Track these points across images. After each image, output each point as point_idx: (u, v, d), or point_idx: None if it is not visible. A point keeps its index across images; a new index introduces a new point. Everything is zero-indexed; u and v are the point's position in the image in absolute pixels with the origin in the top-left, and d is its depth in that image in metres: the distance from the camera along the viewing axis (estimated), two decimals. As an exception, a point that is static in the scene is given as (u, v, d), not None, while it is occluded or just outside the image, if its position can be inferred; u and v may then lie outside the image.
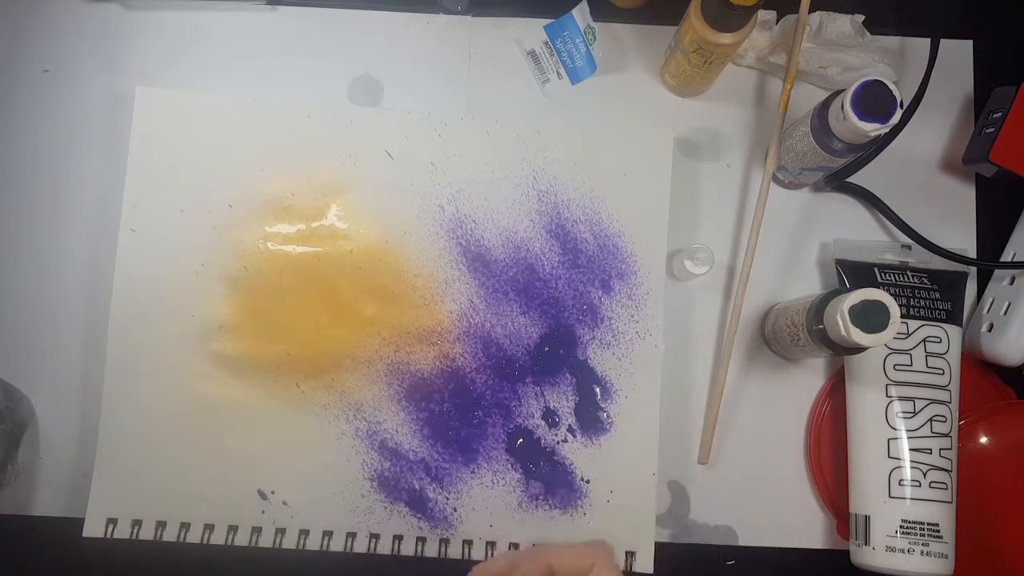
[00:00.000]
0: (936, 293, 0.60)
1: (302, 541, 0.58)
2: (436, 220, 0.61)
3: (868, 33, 0.62)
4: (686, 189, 0.63)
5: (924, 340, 0.59)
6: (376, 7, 0.65)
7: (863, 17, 0.62)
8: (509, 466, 0.59)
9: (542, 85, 0.64)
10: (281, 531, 0.59)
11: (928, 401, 0.57)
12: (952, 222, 0.64)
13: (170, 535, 0.58)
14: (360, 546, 0.59)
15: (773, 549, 0.61)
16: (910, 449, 0.57)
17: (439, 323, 0.60)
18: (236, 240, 0.60)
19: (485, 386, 0.60)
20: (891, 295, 0.51)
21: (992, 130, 0.60)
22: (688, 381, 0.62)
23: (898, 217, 0.62)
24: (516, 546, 0.59)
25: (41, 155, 0.63)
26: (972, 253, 0.64)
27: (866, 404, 0.58)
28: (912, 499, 0.56)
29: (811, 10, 0.61)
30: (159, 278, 0.60)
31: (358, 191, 0.61)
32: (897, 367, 0.58)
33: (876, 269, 0.61)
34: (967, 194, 0.64)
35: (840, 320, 0.51)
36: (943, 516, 0.56)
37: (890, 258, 0.62)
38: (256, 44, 0.64)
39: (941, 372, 0.58)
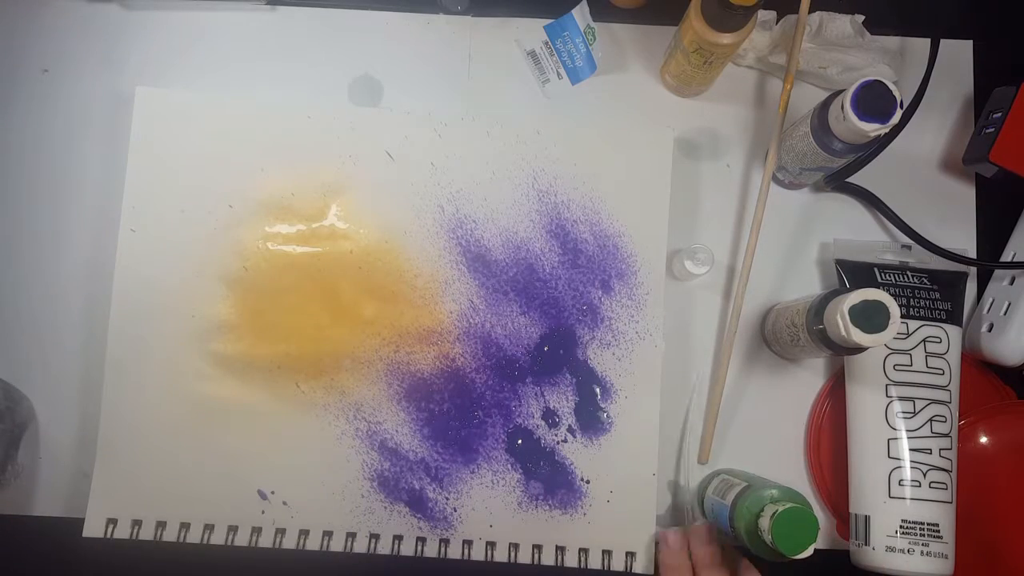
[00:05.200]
0: (936, 293, 0.60)
1: (302, 541, 0.58)
2: (436, 220, 0.61)
3: (868, 33, 0.62)
4: (686, 189, 0.63)
5: (924, 340, 0.59)
6: (376, 7, 0.65)
7: (863, 17, 0.62)
8: (509, 466, 0.59)
9: (542, 85, 0.64)
10: (281, 531, 0.59)
11: (928, 401, 0.57)
12: (952, 222, 0.64)
13: (170, 535, 0.58)
14: (360, 546, 0.59)
15: (773, 549, 0.61)
16: (910, 449, 0.57)
17: (439, 323, 0.60)
18: (236, 240, 0.60)
19: (485, 386, 0.60)
20: (891, 295, 0.51)
21: (992, 130, 0.60)
22: (688, 381, 0.62)
23: (898, 217, 0.62)
24: (516, 547, 0.59)
25: (41, 155, 0.63)
26: (972, 253, 0.64)
27: (866, 404, 0.58)
28: (912, 499, 0.56)
29: (811, 10, 0.61)
30: (159, 278, 0.60)
31: (358, 191, 0.61)
32: (897, 367, 0.58)
33: (876, 269, 0.61)
34: (967, 194, 0.64)
35: (840, 320, 0.51)
36: (943, 516, 0.56)
37: (890, 258, 0.62)
38: (256, 44, 0.64)
39: (941, 372, 0.58)
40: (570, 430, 0.60)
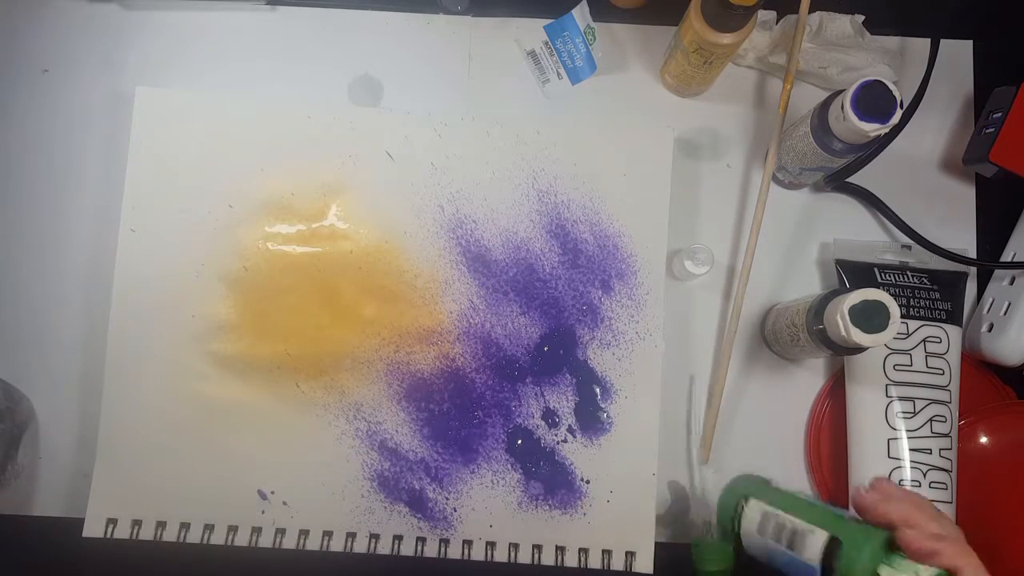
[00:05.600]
0: (936, 293, 0.60)
1: (302, 541, 0.58)
2: (436, 220, 0.61)
3: (868, 33, 0.62)
4: (686, 189, 0.63)
5: (924, 340, 0.59)
6: (376, 7, 0.65)
7: (863, 17, 0.62)
8: (509, 466, 0.59)
9: (542, 85, 0.64)
10: (281, 531, 0.59)
11: (928, 401, 0.57)
12: (952, 222, 0.64)
13: (170, 535, 0.58)
14: (360, 546, 0.59)
15: (773, 549, 0.61)
16: (910, 449, 0.57)
17: (439, 323, 0.60)
18: (236, 240, 0.60)
19: (485, 386, 0.60)
20: (891, 295, 0.51)
21: (992, 130, 0.60)
22: (688, 381, 0.62)
23: (898, 217, 0.62)
24: (516, 547, 0.59)
25: (41, 155, 0.63)
26: (972, 253, 0.63)
27: (866, 404, 0.58)
28: (912, 499, 0.56)
29: (811, 10, 0.61)
30: (159, 278, 0.60)
31: (358, 191, 0.61)
32: (897, 367, 0.58)
33: (876, 269, 0.61)
34: (967, 194, 0.64)
35: (840, 320, 0.51)
36: (943, 516, 0.56)
37: (890, 258, 0.62)
38: (256, 44, 0.64)
39: (941, 372, 0.58)
40: (570, 430, 0.60)
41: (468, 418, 0.60)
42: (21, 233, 0.62)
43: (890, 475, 0.56)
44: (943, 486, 0.56)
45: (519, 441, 0.60)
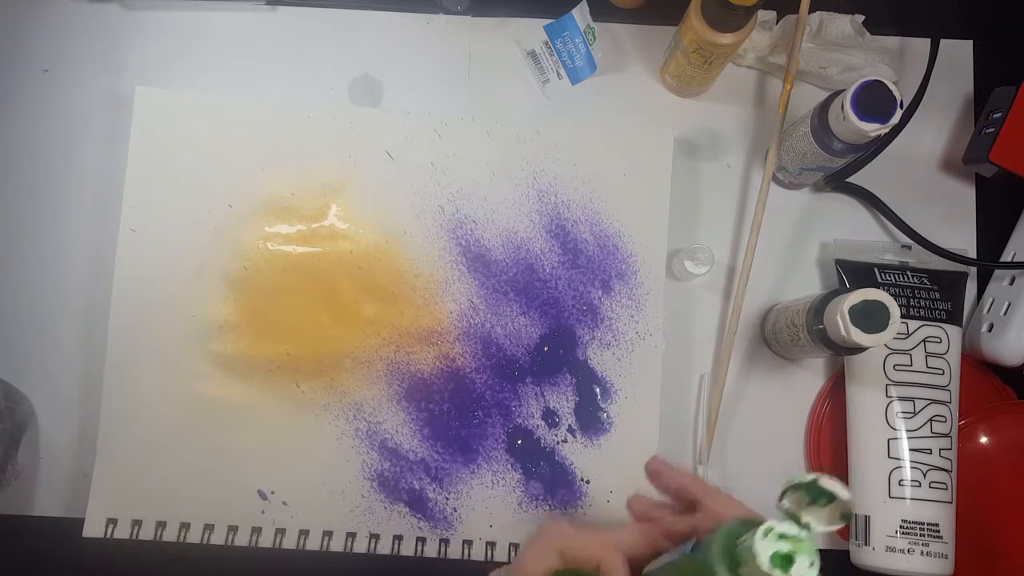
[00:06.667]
0: (936, 293, 0.60)
1: (302, 541, 0.58)
2: (436, 220, 0.61)
3: (868, 33, 0.63)
4: (686, 189, 0.63)
5: (924, 340, 0.59)
6: (376, 7, 0.65)
7: (863, 17, 0.62)
8: (509, 466, 0.59)
9: (542, 85, 0.64)
10: (281, 531, 0.59)
11: (928, 401, 0.57)
12: (952, 222, 0.64)
13: (170, 535, 0.58)
14: (360, 546, 0.59)
15: (773, 549, 0.61)
16: (910, 449, 0.57)
17: (439, 323, 0.60)
18: (236, 240, 0.60)
19: (485, 386, 0.60)
20: (891, 295, 0.51)
21: (992, 130, 0.60)
22: (688, 381, 0.62)
23: (898, 217, 0.62)
24: (516, 547, 0.59)
25: (41, 155, 0.63)
26: (972, 253, 0.63)
27: (866, 404, 0.58)
28: (912, 499, 0.56)
29: (811, 10, 0.61)
30: (159, 278, 0.60)
31: (358, 191, 0.61)
32: (897, 367, 0.58)
33: (876, 269, 0.61)
34: (967, 194, 0.64)
35: (840, 320, 0.51)
36: (943, 516, 0.56)
37: (890, 258, 0.62)
38: (256, 44, 0.64)
39: (941, 372, 0.58)
40: (570, 430, 0.60)
41: (468, 418, 0.60)
42: (21, 233, 0.62)
43: (890, 475, 0.56)
44: (943, 486, 0.56)
45: (519, 441, 0.60)
